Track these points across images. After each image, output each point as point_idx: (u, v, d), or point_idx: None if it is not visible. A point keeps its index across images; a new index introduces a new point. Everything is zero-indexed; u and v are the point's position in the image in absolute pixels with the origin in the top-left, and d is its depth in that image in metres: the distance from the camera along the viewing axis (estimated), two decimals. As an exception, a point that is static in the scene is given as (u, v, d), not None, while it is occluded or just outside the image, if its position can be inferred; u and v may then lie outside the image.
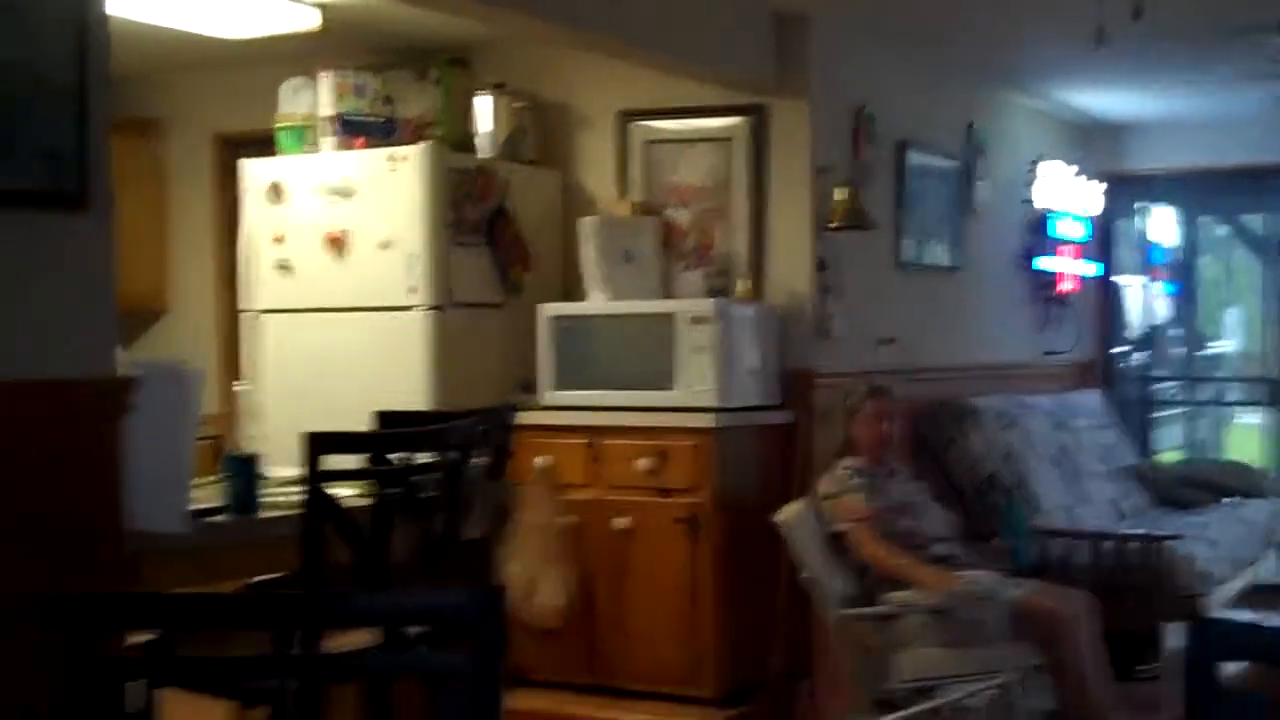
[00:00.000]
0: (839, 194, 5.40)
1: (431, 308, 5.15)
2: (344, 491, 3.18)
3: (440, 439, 3.19)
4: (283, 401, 5.19)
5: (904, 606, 4.58)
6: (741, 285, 5.44)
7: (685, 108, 5.57)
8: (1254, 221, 10.08)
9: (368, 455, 3.18)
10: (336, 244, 5.26)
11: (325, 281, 5.31)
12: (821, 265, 5.47)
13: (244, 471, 3.23)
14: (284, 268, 5.37)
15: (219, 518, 3.20)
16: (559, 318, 5.32)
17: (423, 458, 3.28)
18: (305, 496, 3.00)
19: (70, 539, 2.72)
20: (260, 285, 5.44)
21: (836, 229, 5.43)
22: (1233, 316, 12.81)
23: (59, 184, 2.66)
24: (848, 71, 5.65)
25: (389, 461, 3.17)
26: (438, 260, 5.16)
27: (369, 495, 3.21)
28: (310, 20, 4.80)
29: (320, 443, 2.96)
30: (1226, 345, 12.51)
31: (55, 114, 2.64)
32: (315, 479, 2.94)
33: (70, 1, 2.69)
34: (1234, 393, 10.84)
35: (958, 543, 4.97)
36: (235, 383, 3.16)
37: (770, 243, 5.51)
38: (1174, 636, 5.70)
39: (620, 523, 5.17)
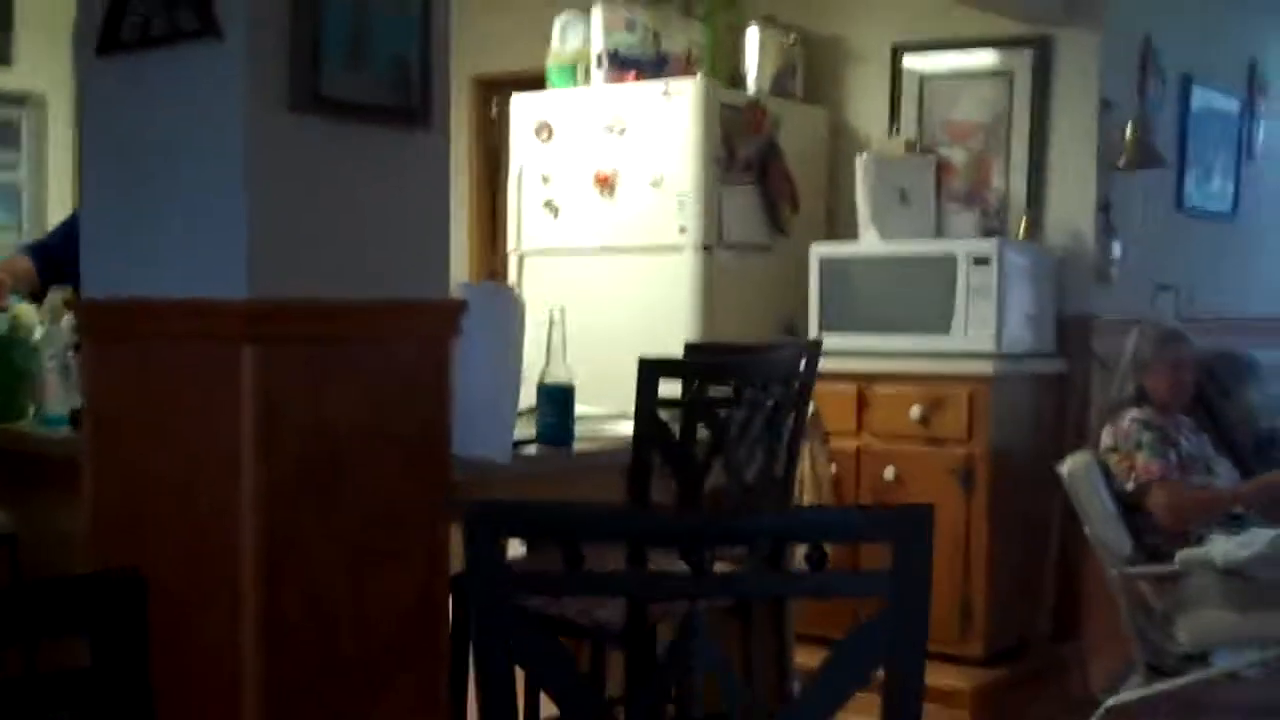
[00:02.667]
0: (1128, 130, 5.13)
1: (701, 248, 5.05)
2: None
3: (767, 371, 3.07)
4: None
5: (1193, 565, 4.34)
6: (1019, 226, 5.22)
7: (963, 39, 5.36)
8: None
9: (690, 388, 3.08)
10: (605, 183, 5.19)
11: (593, 221, 5.25)
12: (1105, 205, 5.21)
13: (560, 402, 3.15)
14: (551, 208, 5.32)
15: (533, 449, 3.14)
16: (829, 258, 5.16)
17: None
18: (639, 426, 2.90)
19: (405, 458, 2.69)
20: (527, 226, 5.40)
21: (1123, 168, 5.17)
22: None
23: (405, 99, 2.60)
24: (1139, 1, 5.37)
25: (704, 393, 3.07)
26: (708, 199, 5.05)
27: (684, 429, 3.11)
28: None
29: (651, 368, 2.86)
30: None
31: (402, 29, 2.59)
32: (647, 405, 2.85)
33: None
34: None
35: (1257, 504, 4.68)
36: (550, 310, 3.07)
37: (1050, 182, 5.27)
38: None
39: (889, 473, 5.01)
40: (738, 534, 1.63)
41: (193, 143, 2.50)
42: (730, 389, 3.03)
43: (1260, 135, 6.38)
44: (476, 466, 2.87)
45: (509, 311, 2.87)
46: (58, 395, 3.16)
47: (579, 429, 3.28)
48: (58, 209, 5.89)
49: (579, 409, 3.40)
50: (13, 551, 3.09)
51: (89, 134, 2.73)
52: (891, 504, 4.99)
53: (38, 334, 3.28)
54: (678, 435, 2.96)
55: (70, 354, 3.10)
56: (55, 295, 3.41)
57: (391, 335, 2.65)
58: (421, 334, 2.70)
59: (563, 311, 3.07)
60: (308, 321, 2.52)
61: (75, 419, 3.00)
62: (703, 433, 3.03)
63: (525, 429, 3.21)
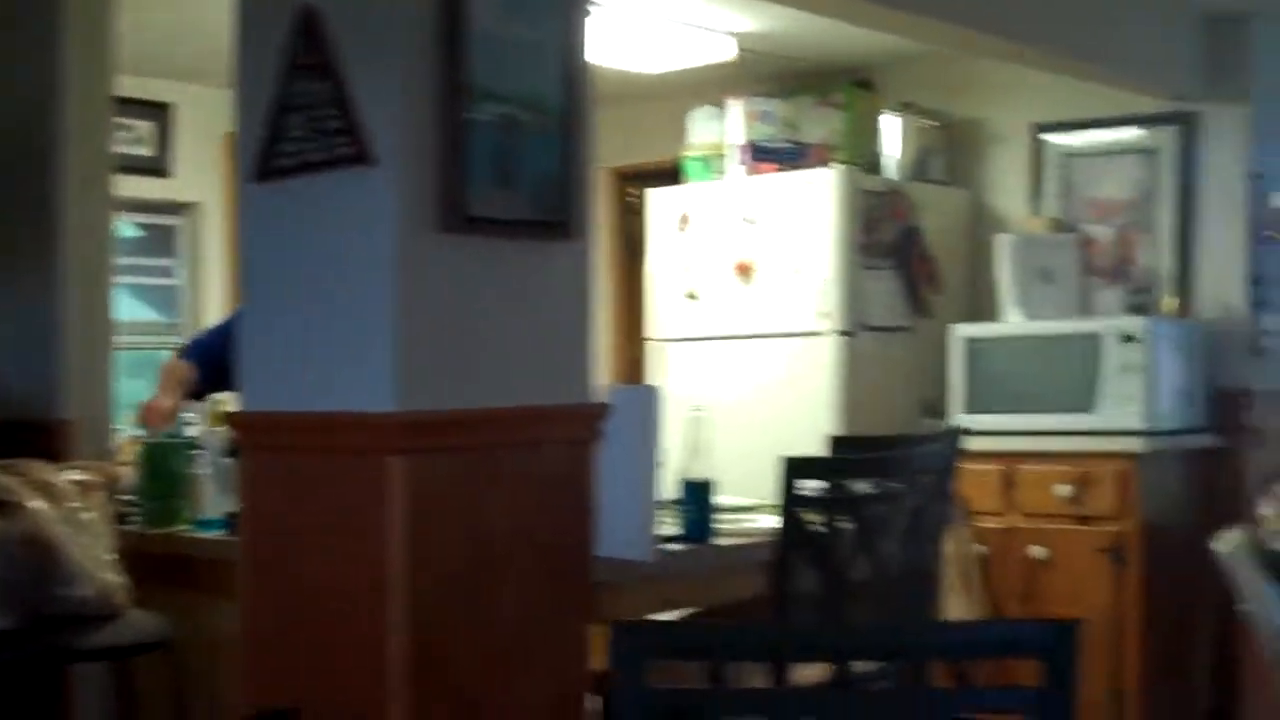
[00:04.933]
0: (1277, 200, 5.06)
1: (842, 333, 5.08)
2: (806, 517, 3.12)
3: (909, 465, 3.09)
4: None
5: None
6: (1167, 301, 5.16)
7: (1105, 119, 5.35)
8: None
9: (831, 484, 3.10)
10: (744, 271, 5.26)
11: (733, 308, 5.31)
12: (1256, 278, 5.13)
13: (701, 498, 3.20)
14: (691, 296, 5.40)
15: (676, 545, 3.18)
16: (973, 339, 5.16)
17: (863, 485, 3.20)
18: (781, 521, 2.94)
19: (551, 565, 2.75)
20: (667, 314, 5.48)
21: (1275, 238, 5.09)
22: None
23: (549, 212, 2.69)
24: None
25: (848, 488, 3.09)
26: (849, 284, 5.09)
27: (826, 522, 3.13)
28: (727, 50, 4.81)
29: (795, 467, 2.90)
30: None
31: (547, 148, 2.68)
32: (791, 503, 2.89)
33: (563, 34, 2.74)
34: None
35: None
36: (693, 409, 3.12)
37: (1198, 256, 5.21)
38: None
39: (1037, 552, 4.96)
40: (879, 649, 1.66)
41: (347, 264, 2.60)
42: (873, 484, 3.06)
43: None
44: (619, 566, 2.92)
45: (651, 411, 2.93)
46: (212, 500, 3.28)
47: (720, 521, 3.33)
48: (214, 310, 6.13)
49: (720, 499, 3.45)
50: (167, 655, 3.20)
51: (248, 254, 2.84)
52: (1038, 583, 4.95)
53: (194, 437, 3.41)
54: (822, 528, 2.98)
55: (225, 459, 3.23)
56: (212, 404, 3.56)
57: (535, 441, 2.72)
58: (565, 439, 2.77)
59: (705, 409, 3.12)
60: (454, 432, 2.60)
61: (230, 522, 3.11)
62: (849, 525, 3.05)
63: (665, 522, 3.27)
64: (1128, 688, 4.82)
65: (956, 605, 5.00)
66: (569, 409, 2.80)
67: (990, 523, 5.04)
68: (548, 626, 2.74)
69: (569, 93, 2.72)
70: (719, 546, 3.21)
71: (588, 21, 2.83)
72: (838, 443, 3.40)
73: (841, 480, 3.02)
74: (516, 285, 2.71)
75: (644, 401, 2.95)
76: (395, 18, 2.55)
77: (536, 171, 2.66)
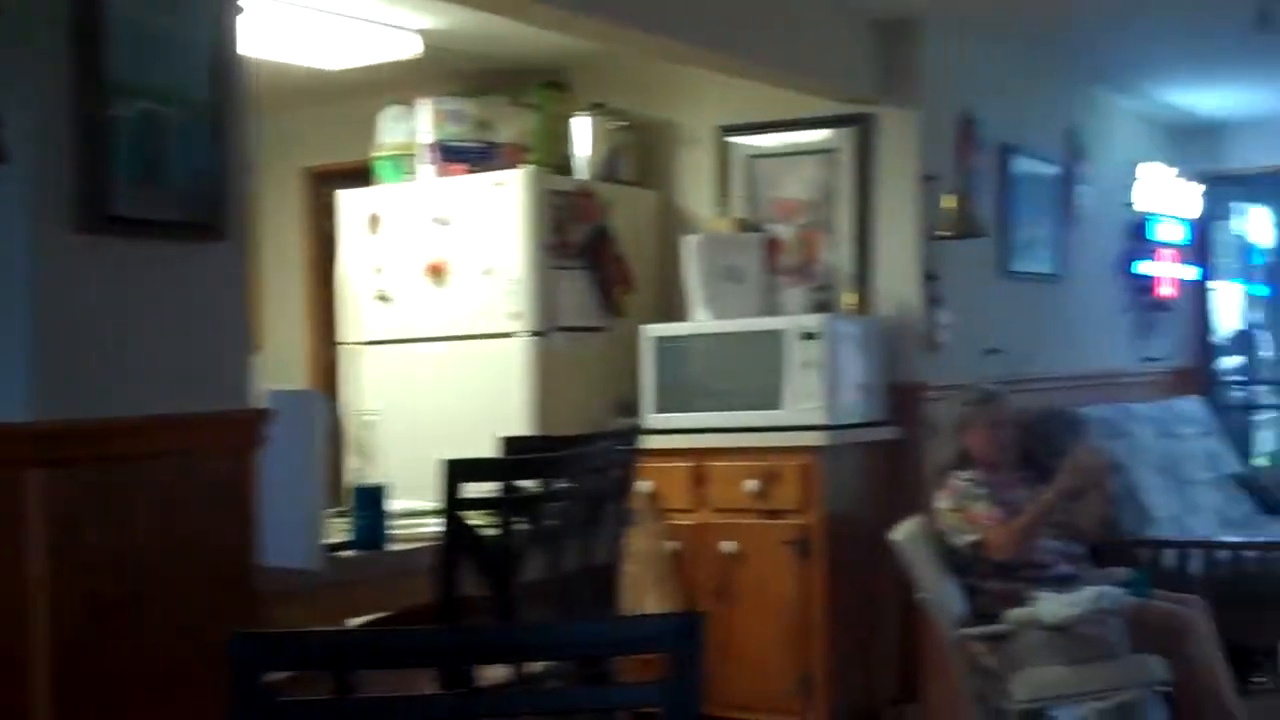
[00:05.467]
0: (947, 201, 5.29)
1: (534, 333, 5.09)
2: (474, 521, 3.10)
3: (579, 464, 3.11)
4: (386, 434, 5.14)
5: (1022, 624, 4.45)
6: (847, 299, 5.34)
7: (787, 120, 5.49)
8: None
9: (500, 483, 3.09)
10: (436, 272, 5.22)
11: (426, 310, 5.27)
12: (930, 275, 5.36)
13: (372, 503, 3.16)
14: (383, 298, 5.33)
15: (348, 552, 3.13)
16: (662, 338, 5.23)
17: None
18: (444, 526, 2.92)
19: (210, 577, 2.67)
20: (359, 317, 5.40)
21: (945, 238, 5.32)
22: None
23: (200, 213, 2.61)
24: (955, 76, 5.54)
25: (520, 488, 3.09)
26: (539, 285, 5.10)
27: (498, 524, 3.12)
28: (413, 47, 4.75)
29: (459, 469, 2.88)
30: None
31: (195, 144, 2.60)
32: (454, 506, 2.86)
33: (211, 28, 2.65)
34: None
35: (1084, 563, 4.81)
36: (364, 413, 3.07)
37: (876, 255, 5.41)
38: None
39: (727, 546, 5.06)
40: (502, 651, 1.65)
41: (-24, 267, 2.48)
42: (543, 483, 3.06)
43: (1080, 199, 6.59)
44: (287, 576, 2.86)
45: (314, 416, 2.87)
46: None
47: (396, 526, 3.29)
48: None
49: (407, 504, 3.41)
50: None
51: None
52: (728, 577, 5.06)
53: None
54: (489, 530, 2.97)
55: None
56: None
57: (188, 450, 2.64)
58: (222, 446, 2.70)
59: (378, 414, 3.08)
60: (98, 442, 2.50)
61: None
62: (521, 526, 3.05)
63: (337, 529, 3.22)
64: (816, 675, 4.96)
65: (651, 602, 5.07)
66: (225, 415, 2.72)
67: (682, 519, 5.12)
68: (208, 640, 2.66)
69: (218, 87, 2.64)
70: (393, 552, 3.18)
71: (240, 16, 2.75)
72: (509, 443, 3.39)
73: (509, 481, 3.01)
74: (166, 287, 2.62)
75: (306, 406, 2.89)
76: (28, 10, 2.44)
77: (187, 169, 2.58)
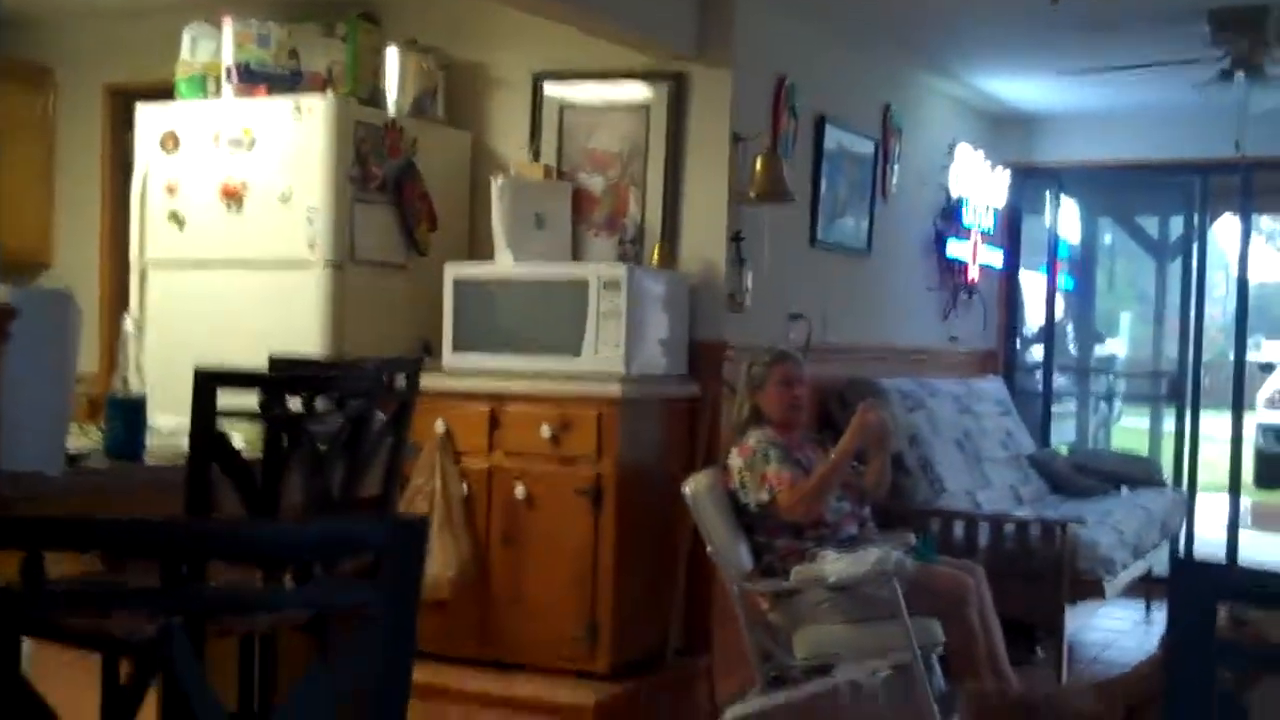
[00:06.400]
0: (758, 164, 5.30)
1: (331, 265, 4.98)
2: (235, 439, 3.01)
3: (343, 384, 3.03)
4: (170, 358, 4.95)
5: (807, 581, 4.50)
6: (654, 253, 5.32)
7: (602, 71, 5.45)
8: (1150, 223, 10.18)
9: (262, 401, 3.00)
10: (233, 196, 5.07)
11: (220, 235, 5.11)
12: (736, 236, 5.37)
13: (128, 415, 3.04)
14: (176, 220, 5.16)
15: (98, 463, 3.01)
16: (464, 279, 5.16)
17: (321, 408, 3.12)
18: (194, 438, 2.82)
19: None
20: (151, 238, 5.22)
21: (754, 200, 5.34)
22: (1125, 317, 12.99)
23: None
24: (772, 40, 5.57)
25: (286, 407, 3.00)
26: (340, 216, 4.99)
27: (261, 443, 3.03)
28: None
29: (212, 379, 2.78)
30: (1118, 346, 12.70)
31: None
32: (204, 417, 2.76)
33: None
34: (1123, 391, 11.00)
35: (870, 525, 4.88)
36: (124, 316, 2.95)
37: (684, 212, 5.41)
38: (1072, 621, 5.71)
39: (519, 491, 5.03)
40: (212, 546, 1.58)
41: None
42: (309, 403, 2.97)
43: (893, 177, 6.68)
44: (28, 480, 2.74)
45: (63, 318, 2.75)
46: None
47: (170, 444, 3.18)
48: None
49: (178, 422, 3.29)
50: None
51: None
52: (519, 522, 5.03)
53: None
54: (244, 446, 2.88)
55: None
56: None
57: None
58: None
59: (138, 323, 2.96)
60: None
61: None
62: (282, 445, 2.95)
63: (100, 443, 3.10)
64: (602, 623, 4.96)
65: (441, 544, 5.01)
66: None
67: (476, 462, 5.07)
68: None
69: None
70: (145, 466, 3.06)
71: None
72: (277, 365, 3.29)
73: (271, 397, 2.92)
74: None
75: (55, 307, 2.76)
76: None
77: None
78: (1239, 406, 7.91)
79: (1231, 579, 1.41)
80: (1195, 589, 1.42)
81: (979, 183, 7.45)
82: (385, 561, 1.62)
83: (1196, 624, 1.41)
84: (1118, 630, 6.88)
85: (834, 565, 4.49)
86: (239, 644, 3.25)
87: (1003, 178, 7.71)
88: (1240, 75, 5.50)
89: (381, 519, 1.62)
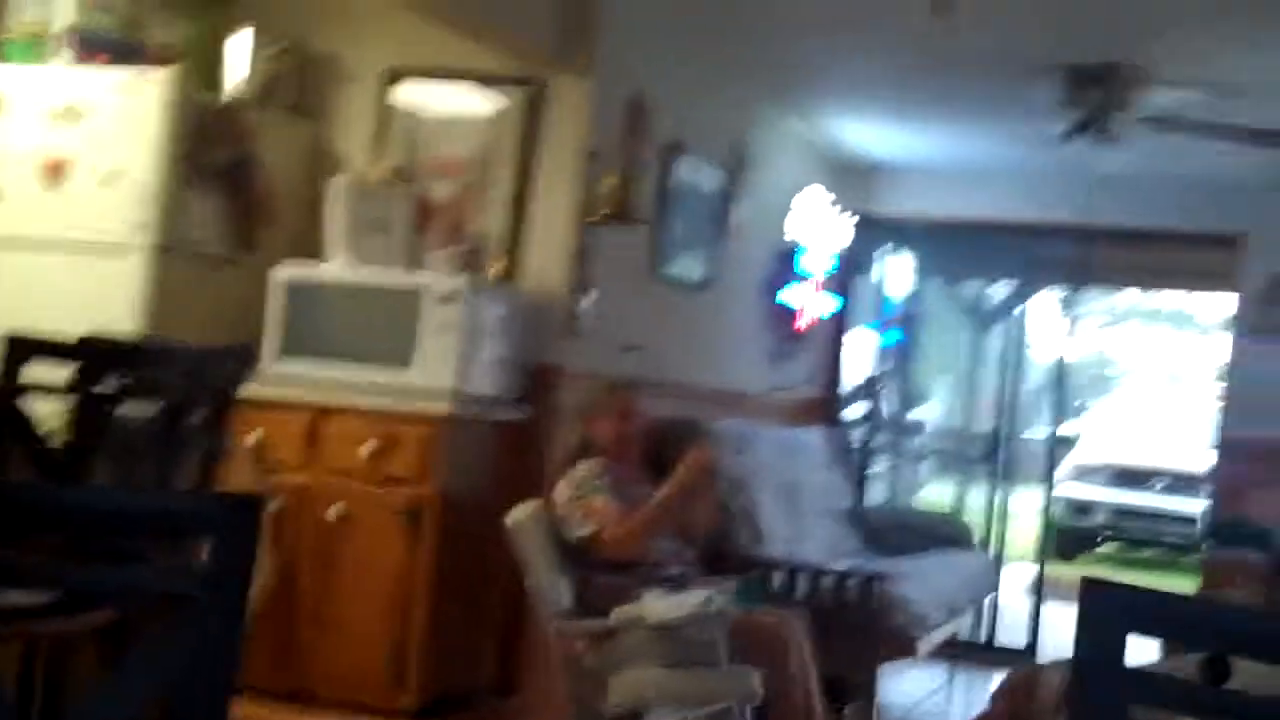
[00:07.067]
0: (608, 180, 5.17)
1: (156, 249, 4.69)
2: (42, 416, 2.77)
3: (166, 364, 2.81)
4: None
5: (626, 622, 4.36)
6: (494, 268, 5.16)
7: (456, 70, 5.29)
8: (973, 286, 10.34)
9: (73, 380, 2.76)
10: (55, 171, 4.76)
11: (38, 211, 4.79)
12: (580, 258, 5.23)
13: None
14: (-7, 192, 4.83)
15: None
16: (293, 281, 4.92)
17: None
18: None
19: None
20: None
21: (600, 221, 5.21)
22: (942, 381, 13.23)
23: None
24: (631, 57, 5.45)
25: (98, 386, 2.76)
26: (168, 200, 4.70)
27: (66, 424, 2.79)
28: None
29: (22, 347, 2.54)
30: (931, 410, 12.90)
31: None
32: (10, 391, 2.52)
33: None
34: (933, 456, 11.18)
35: (695, 567, 4.77)
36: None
37: (529, 228, 5.25)
38: (882, 680, 5.68)
39: (335, 511, 4.79)
40: (39, 516, 1.38)
41: None
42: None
43: (739, 213, 6.61)
44: None
45: None
46: None
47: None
48: None
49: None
50: None
51: None
52: (332, 544, 4.79)
53: None
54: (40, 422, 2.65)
55: None
56: None
57: None
58: None
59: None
60: None
61: None
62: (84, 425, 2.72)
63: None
64: (410, 655, 4.74)
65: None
66: None
67: (291, 477, 4.81)
68: None
69: None
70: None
71: None
72: (88, 343, 3.04)
73: (84, 376, 2.69)
74: None
75: None
76: None
77: None
78: (1050, 479, 8.06)
79: (1139, 602, 1.33)
80: (1101, 611, 1.34)
81: (821, 229, 7.45)
82: (217, 544, 1.46)
83: (1102, 647, 1.33)
84: (925, 691, 6.90)
85: (654, 606, 4.36)
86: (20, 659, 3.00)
87: (846, 226, 7.73)
88: (1088, 134, 5.56)
89: (219, 496, 1.45)
